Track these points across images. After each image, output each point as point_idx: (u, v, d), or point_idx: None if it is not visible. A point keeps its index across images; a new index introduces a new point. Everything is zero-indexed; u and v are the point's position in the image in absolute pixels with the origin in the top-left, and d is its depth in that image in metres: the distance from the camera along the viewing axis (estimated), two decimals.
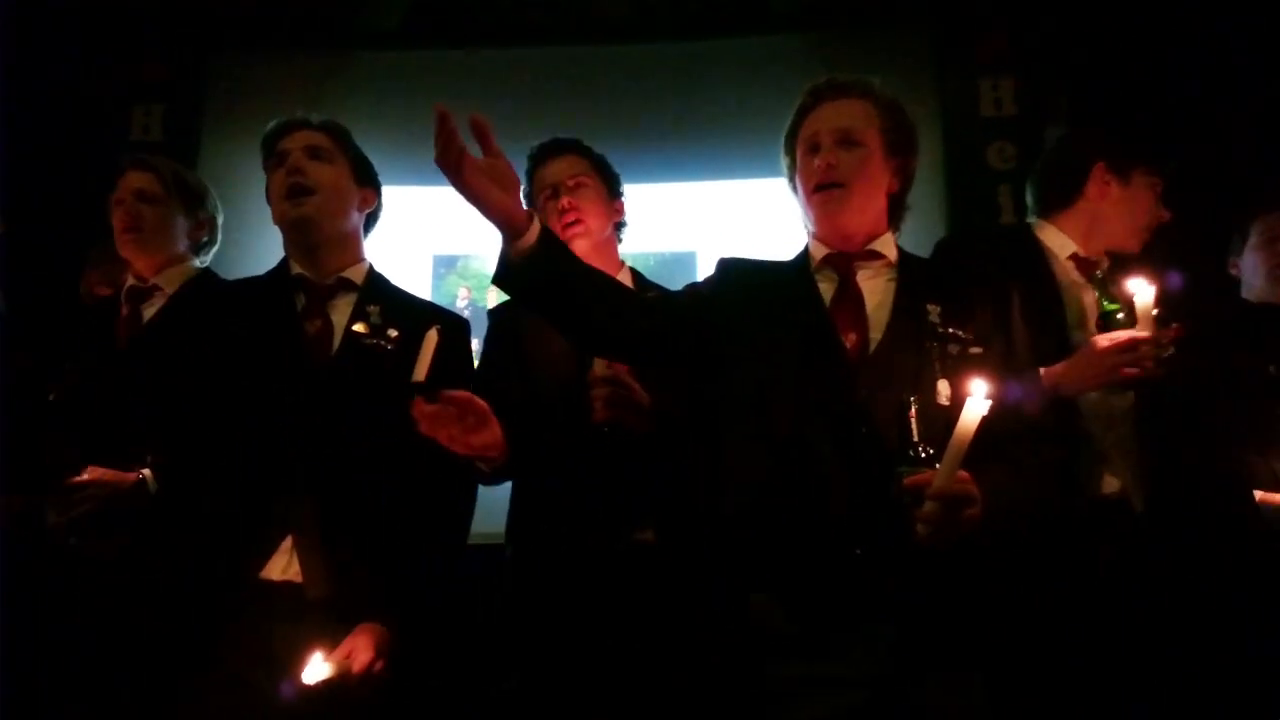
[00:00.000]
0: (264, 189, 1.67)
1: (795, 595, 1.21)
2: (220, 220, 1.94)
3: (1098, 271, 1.70)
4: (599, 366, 1.55)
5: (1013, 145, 3.18)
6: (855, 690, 1.17)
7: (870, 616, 1.20)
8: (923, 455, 1.16)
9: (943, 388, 1.24)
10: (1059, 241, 1.87)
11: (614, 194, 1.87)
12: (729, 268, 1.48)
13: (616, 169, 1.91)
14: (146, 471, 1.58)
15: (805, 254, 1.49)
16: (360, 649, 1.32)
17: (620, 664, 1.53)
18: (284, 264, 1.60)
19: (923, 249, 2.72)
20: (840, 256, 1.42)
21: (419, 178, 3.41)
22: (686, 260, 3.19)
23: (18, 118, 3.14)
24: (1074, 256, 1.84)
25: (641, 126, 3.25)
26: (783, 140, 1.50)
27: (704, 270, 3.11)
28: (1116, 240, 1.86)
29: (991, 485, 1.15)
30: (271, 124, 1.63)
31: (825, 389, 1.27)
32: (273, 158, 1.59)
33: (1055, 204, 1.90)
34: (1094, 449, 1.68)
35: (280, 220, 1.57)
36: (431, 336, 1.47)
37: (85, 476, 1.54)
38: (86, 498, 1.53)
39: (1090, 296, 1.73)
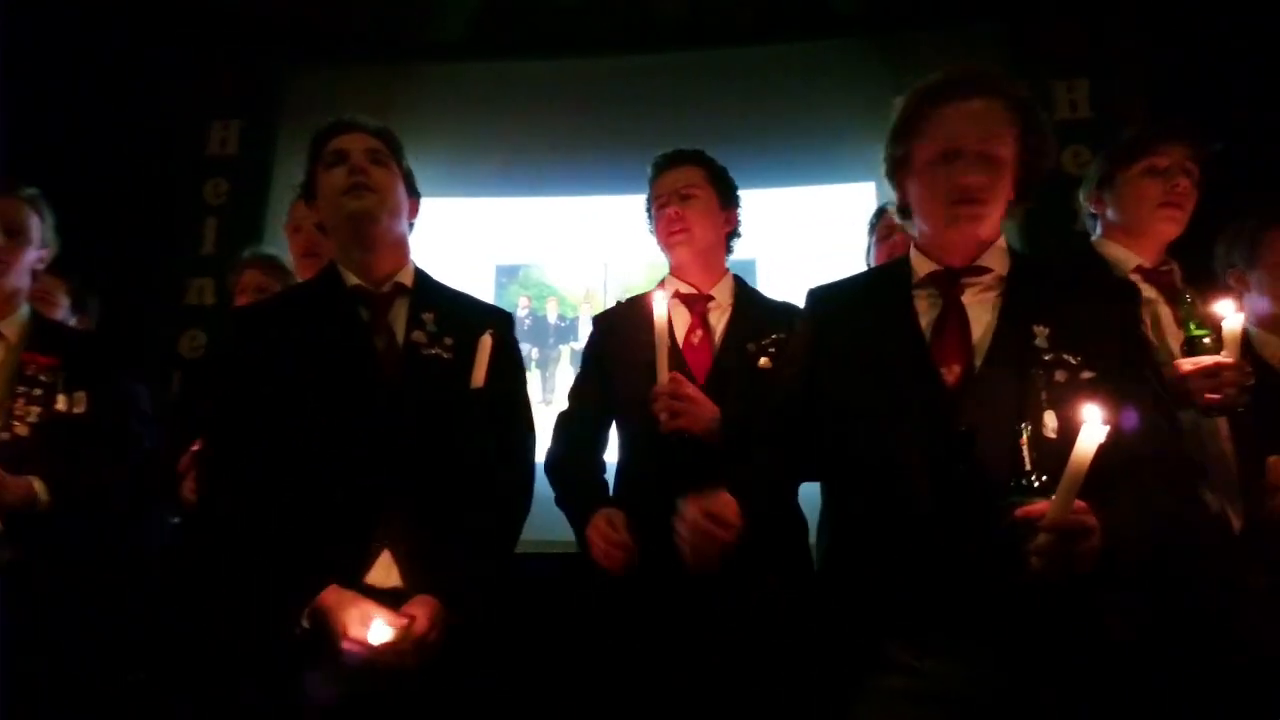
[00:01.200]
0: None
1: (898, 628, 1.19)
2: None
3: (1186, 296, 1.64)
4: (661, 379, 1.56)
5: (1089, 149, 3.07)
6: (954, 705, 1.14)
7: (973, 641, 1.16)
8: (1034, 485, 1.10)
9: (1049, 419, 1.17)
10: (1122, 255, 1.82)
11: (726, 204, 1.90)
12: (820, 304, 1.42)
13: None
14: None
15: (905, 265, 1.38)
16: (419, 617, 1.35)
17: (703, 673, 1.54)
18: (334, 274, 1.56)
19: None
20: (947, 274, 1.32)
21: (482, 188, 3.51)
22: (746, 269, 3.16)
23: (104, 136, 3.31)
24: (1139, 269, 1.79)
25: (699, 134, 3.20)
26: (895, 128, 1.35)
27: (764, 279, 3.09)
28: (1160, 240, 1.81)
29: (1114, 517, 1.08)
30: (326, 122, 1.61)
31: (923, 421, 1.20)
32: (327, 156, 1.56)
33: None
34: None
35: (337, 215, 1.53)
36: (486, 342, 1.52)
37: None
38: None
39: (1163, 310, 1.70)
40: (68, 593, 1.70)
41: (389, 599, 1.37)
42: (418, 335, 1.50)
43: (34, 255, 1.87)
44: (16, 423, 1.72)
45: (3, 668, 1.59)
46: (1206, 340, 1.54)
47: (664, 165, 1.90)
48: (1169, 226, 1.80)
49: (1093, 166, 1.94)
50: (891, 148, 1.36)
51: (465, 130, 3.32)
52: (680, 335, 1.77)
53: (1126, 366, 1.24)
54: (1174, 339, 1.66)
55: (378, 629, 1.30)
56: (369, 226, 1.51)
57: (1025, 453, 1.12)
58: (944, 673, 1.15)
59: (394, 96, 3.46)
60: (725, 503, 1.27)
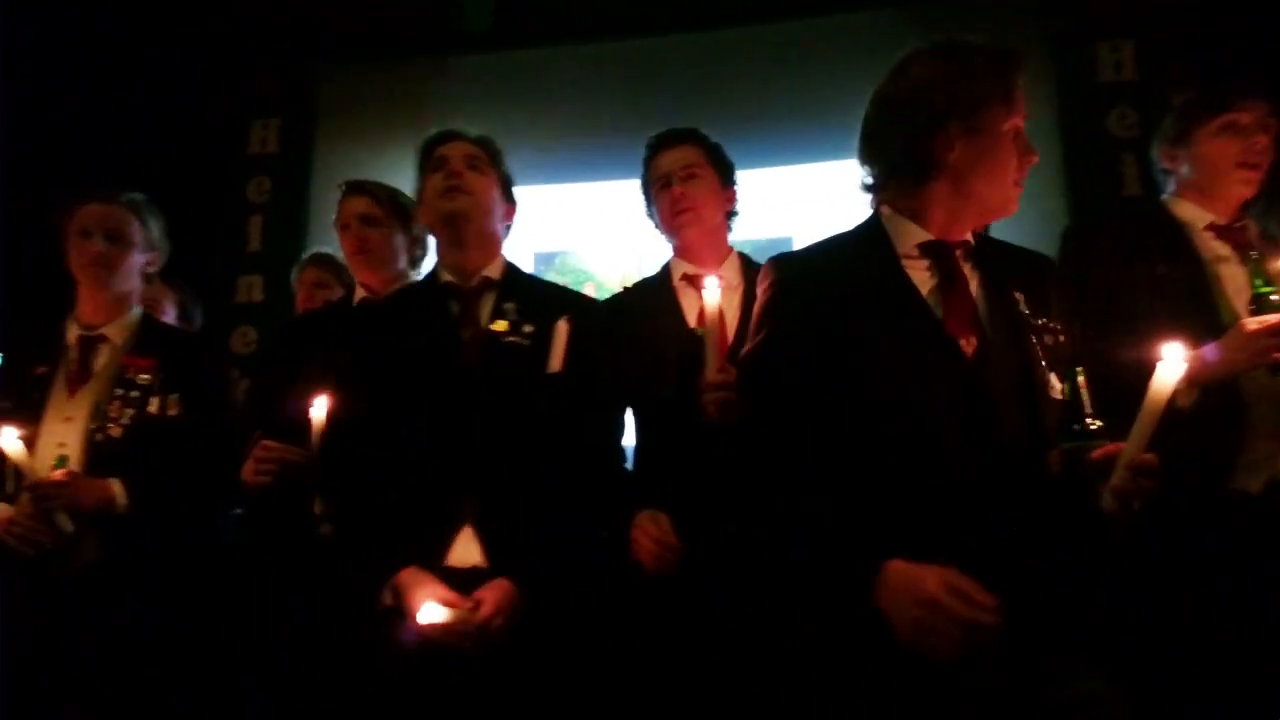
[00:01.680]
0: None
1: None
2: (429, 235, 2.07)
3: (1253, 252, 1.59)
4: (711, 371, 1.53)
5: (1135, 111, 2.98)
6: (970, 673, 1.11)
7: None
8: (1091, 428, 1.11)
9: (1055, 381, 1.18)
10: (1194, 214, 1.76)
11: (726, 183, 1.87)
12: (797, 277, 1.29)
13: None
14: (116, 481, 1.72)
15: (878, 234, 1.28)
16: (486, 602, 1.38)
17: (721, 653, 1.52)
18: (434, 273, 1.68)
19: (1041, 226, 2.61)
20: (942, 245, 1.26)
21: (517, 176, 3.53)
22: (783, 247, 3.12)
23: (149, 139, 3.40)
24: (1211, 226, 1.73)
25: (731, 111, 3.19)
26: (964, 73, 1.22)
27: None
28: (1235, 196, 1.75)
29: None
30: (433, 131, 1.72)
31: (955, 395, 1.17)
32: (431, 163, 1.67)
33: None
34: (1264, 431, 1.58)
35: (434, 216, 1.65)
36: (562, 328, 1.57)
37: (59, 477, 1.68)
38: (55, 495, 1.67)
39: (1236, 269, 1.64)
40: (145, 592, 1.73)
41: (471, 578, 1.42)
42: (498, 324, 1.58)
43: (139, 259, 1.91)
44: (111, 425, 1.77)
45: (79, 665, 1.65)
46: (1275, 297, 1.49)
47: (660, 146, 1.87)
48: (1245, 188, 1.74)
49: (1166, 122, 1.86)
50: (956, 124, 1.22)
51: (499, 120, 3.29)
52: (691, 318, 1.75)
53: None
54: (1244, 299, 1.59)
55: (427, 610, 1.34)
56: (461, 226, 1.62)
57: (1085, 396, 1.12)
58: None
59: (428, 89, 3.51)
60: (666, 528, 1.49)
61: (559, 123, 3.39)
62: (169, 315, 2.43)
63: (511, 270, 1.70)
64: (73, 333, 1.87)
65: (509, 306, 1.61)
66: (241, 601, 1.83)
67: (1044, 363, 1.19)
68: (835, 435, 1.17)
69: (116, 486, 1.75)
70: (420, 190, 1.71)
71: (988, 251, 1.30)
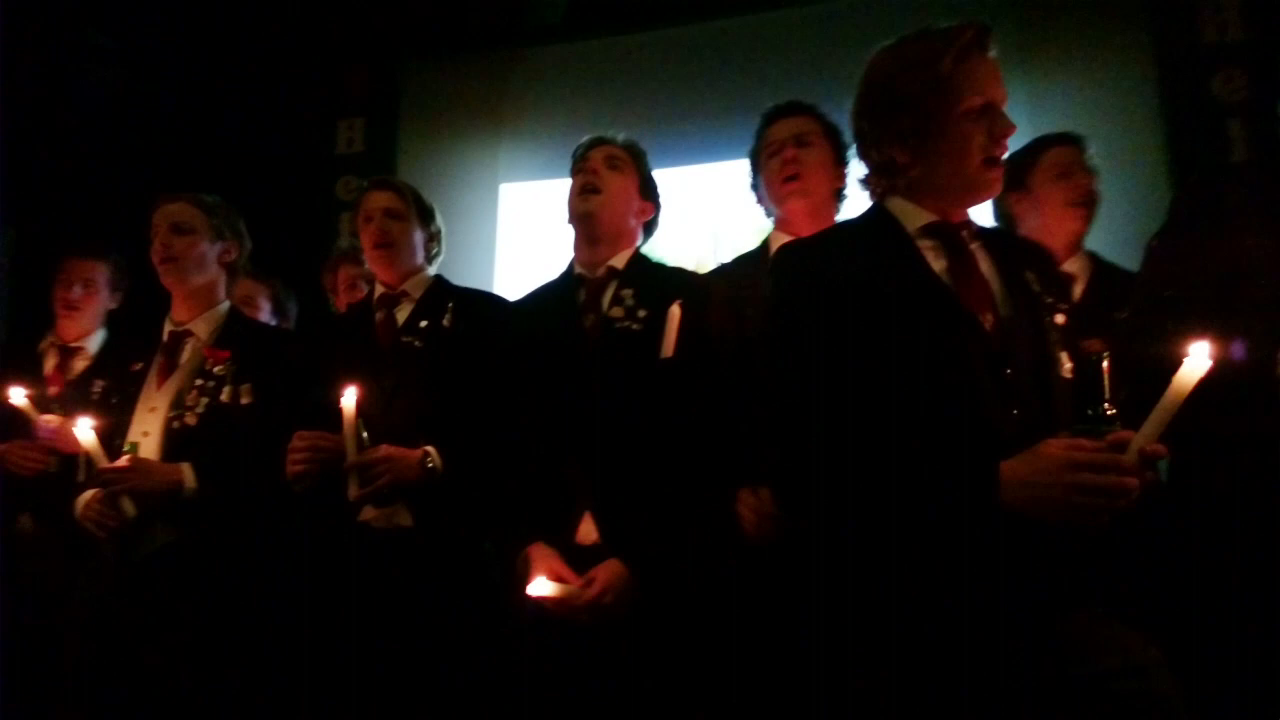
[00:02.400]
0: (458, 188, 1.81)
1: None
2: (444, 233, 2.14)
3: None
4: None
5: (1242, 73, 2.78)
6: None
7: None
8: (1106, 414, 1.10)
9: (1065, 359, 1.20)
10: None
11: (840, 160, 1.85)
12: (812, 264, 1.28)
13: None
14: (431, 449, 1.78)
15: (884, 217, 1.30)
16: (597, 581, 1.48)
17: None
18: (569, 265, 1.80)
19: (1141, 193, 2.48)
20: (947, 225, 1.27)
21: None
22: None
23: (237, 139, 3.58)
24: None
25: (806, 91, 3.09)
26: (901, 63, 1.27)
27: None
28: None
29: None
30: (585, 139, 1.84)
31: (981, 371, 1.18)
32: (576, 166, 1.80)
33: None
34: None
35: (570, 216, 1.77)
36: (674, 313, 1.63)
37: (382, 453, 1.75)
38: (384, 472, 1.74)
39: None
40: (215, 575, 1.82)
41: (592, 555, 1.53)
42: (615, 310, 1.67)
43: (211, 249, 1.98)
44: (188, 413, 1.88)
45: (147, 645, 1.76)
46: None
47: (775, 115, 1.87)
48: None
49: None
50: (901, 96, 1.25)
51: (571, 110, 3.38)
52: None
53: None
54: None
55: (538, 583, 1.47)
56: (592, 224, 1.73)
57: (1106, 382, 1.11)
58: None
59: (504, 83, 3.57)
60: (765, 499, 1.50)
61: (634, 110, 3.39)
62: (263, 310, 2.56)
63: (637, 259, 1.78)
64: (166, 330, 2.00)
65: (626, 293, 1.69)
66: (299, 584, 1.89)
67: (1054, 342, 1.20)
68: (861, 415, 1.16)
69: (185, 470, 1.84)
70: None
71: (994, 235, 1.34)
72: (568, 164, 1.86)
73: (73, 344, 2.40)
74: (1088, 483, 1.03)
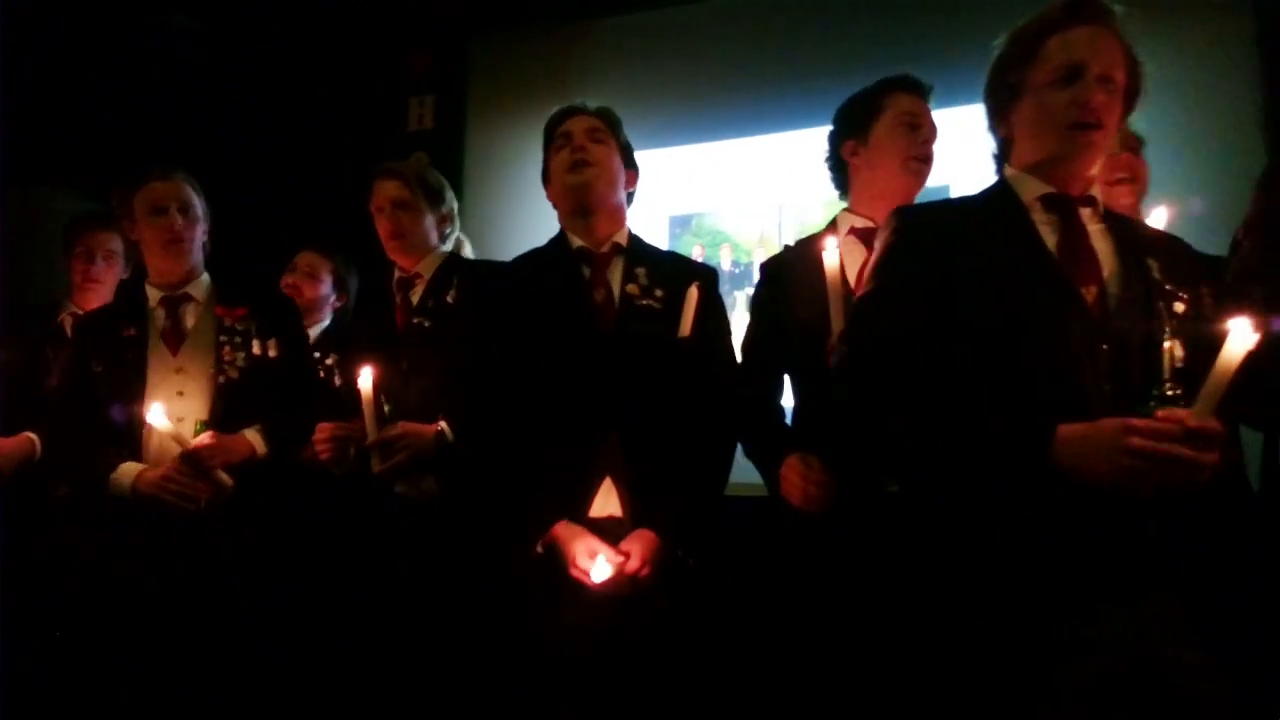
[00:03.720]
0: (525, 163, 1.84)
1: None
2: (456, 208, 2.20)
3: None
4: (837, 331, 1.55)
5: None
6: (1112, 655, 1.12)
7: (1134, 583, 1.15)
8: (1169, 394, 1.12)
9: (1175, 349, 1.18)
10: None
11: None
12: (923, 228, 1.33)
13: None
14: (443, 425, 1.87)
15: (1006, 189, 1.33)
16: (634, 553, 1.51)
17: (869, 608, 1.54)
18: (562, 238, 1.77)
19: (1240, 181, 2.33)
20: (1063, 198, 1.29)
21: (654, 140, 3.55)
22: (940, 195, 2.94)
23: (303, 124, 3.68)
24: None
25: (876, 58, 2.99)
26: (1008, 42, 1.35)
27: None
28: None
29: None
30: (555, 110, 1.81)
31: (1079, 341, 1.20)
32: (557, 140, 1.77)
33: None
34: None
35: (562, 191, 1.75)
36: (693, 294, 1.66)
37: (398, 430, 1.85)
38: (402, 448, 1.85)
39: None
40: (269, 538, 1.91)
41: (609, 528, 1.55)
42: (631, 288, 1.69)
43: (202, 230, 2.05)
44: (228, 368, 1.94)
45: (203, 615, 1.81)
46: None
47: (906, 87, 1.80)
48: None
49: None
50: (1006, 67, 1.34)
51: (634, 82, 3.35)
52: (853, 273, 1.70)
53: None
54: None
55: (600, 567, 1.48)
56: (588, 196, 1.72)
57: (1166, 363, 1.13)
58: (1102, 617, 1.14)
59: (571, 56, 3.57)
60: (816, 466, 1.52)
61: (690, 81, 3.35)
62: (325, 284, 2.65)
63: (636, 239, 1.80)
64: (154, 297, 2.01)
65: (639, 271, 1.71)
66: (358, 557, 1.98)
67: (1167, 329, 1.19)
68: (949, 378, 1.20)
69: (254, 436, 1.94)
70: (546, 166, 1.81)
71: (1126, 223, 1.35)
72: (631, 137, 1.86)
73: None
74: (1135, 446, 1.05)
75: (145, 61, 3.60)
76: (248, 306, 2.02)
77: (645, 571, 1.50)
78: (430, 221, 2.09)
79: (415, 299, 2.05)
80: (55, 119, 3.46)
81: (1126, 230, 1.33)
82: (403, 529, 1.90)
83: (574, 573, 1.49)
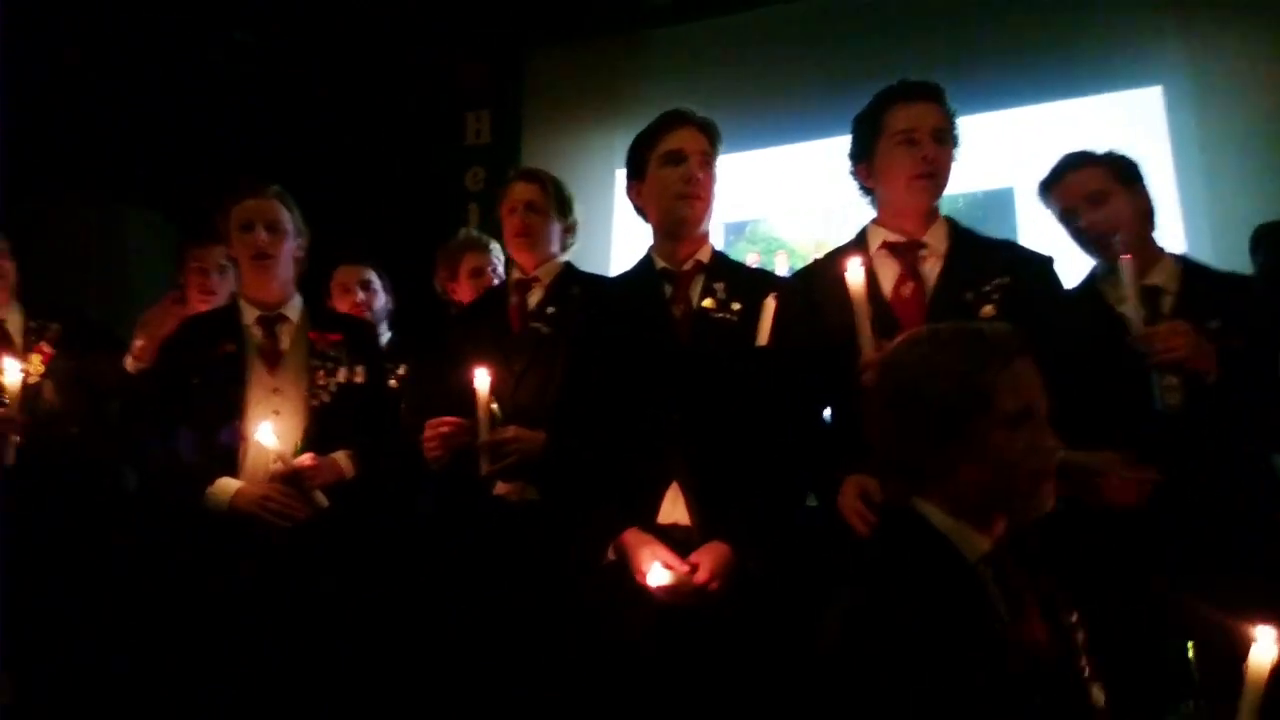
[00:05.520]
0: (581, 175, 1.85)
1: None
2: (578, 225, 2.25)
3: None
4: (866, 349, 1.49)
5: None
6: None
7: None
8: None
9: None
10: None
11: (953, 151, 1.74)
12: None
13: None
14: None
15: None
16: (703, 565, 1.52)
17: None
18: (649, 258, 1.80)
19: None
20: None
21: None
22: (1004, 198, 2.86)
23: (371, 134, 3.75)
24: None
25: (924, 61, 2.90)
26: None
27: (1023, 210, 2.81)
28: None
29: None
30: (667, 112, 1.77)
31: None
32: (664, 153, 1.72)
33: None
34: None
35: (663, 214, 1.75)
36: (769, 304, 1.68)
37: (510, 433, 1.87)
38: (512, 451, 1.87)
39: None
40: (365, 555, 1.94)
41: (679, 537, 1.57)
42: (708, 302, 1.71)
43: (292, 245, 2.04)
44: (320, 392, 1.96)
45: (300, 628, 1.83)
46: None
47: (907, 97, 1.68)
48: None
49: None
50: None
51: (685, 92, 3.34)
52: (888, 288, 1.64)
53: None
54: None
55: (656, 572, 1.50)
56: (691, 229, 1.75)
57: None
58: None
59: (621, 67, 3.60)
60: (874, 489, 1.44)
61: (741, 89, 3.33)
62: (382, 294, 2.69)
63: (719, 255, 1.82)
64: (250, 314, 2.01)
65: (718, 286, 1.72)
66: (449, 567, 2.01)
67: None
68: None
69: (344, 460, 1.95)
70: (641, 174, 1.78)
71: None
72: None
73: None
74: None
75: (207, 78, 3.72)
76: (341, 334, 2.05)
77: (714, 585, 1.50)
78: (556, 228, 2.16)
79: (532, 302, 2.09)
80: (121, 137, 3.61)
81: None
82: (498, 532, 1.92)
83: (639, 578, 1.51)
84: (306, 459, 1.89)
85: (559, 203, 2.16)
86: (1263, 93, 2.72)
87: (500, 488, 1.93)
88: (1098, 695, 1.08)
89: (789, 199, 3.25)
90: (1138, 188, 1.81)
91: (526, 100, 3.82)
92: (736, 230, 3.32)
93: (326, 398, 1.98)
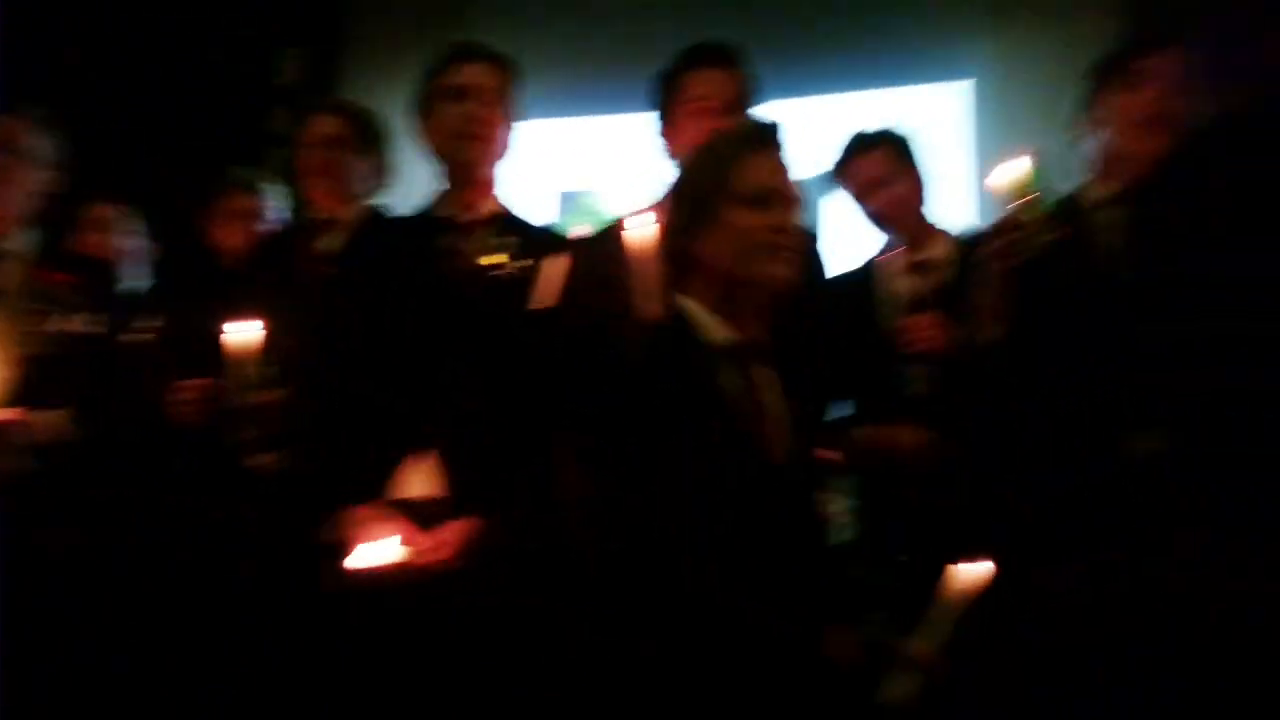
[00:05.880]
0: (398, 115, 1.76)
1: None
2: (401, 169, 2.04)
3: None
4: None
5: None
6: None
7: None
8: None
9: None
10: None
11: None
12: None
13: None
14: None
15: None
16: (442, 542, 1.39)
17: None
18: (428, 205, 1.68)
19: None
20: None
21: (543, 110, 3.41)
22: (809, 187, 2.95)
23: (176, 70, 3.33)
24: None
25: (785, 37, 2.97)
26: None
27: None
28: None
29: None
30: (450, 46, 1.66)
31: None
32: (447, 86, 1.62)
33: None
34: None
35: (443, 152, 1.64)
36: (559, 263, 1.57)
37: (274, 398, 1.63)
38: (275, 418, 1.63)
39: None
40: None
41: (426, 510, 1.43)
42: (490, 258, 1.59)
43: (31, 175, 1.80)
44: (37, 339, 1.74)
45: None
46: None
47: (700, 63, 1.67)
48: None
49: None
50: None
51: (526, 50, 3.20)
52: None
53: None
54: None
55: (357, 554, 1.33)
56: (472, 170, 1.63)
57: None
58: None
59: (459, 18, 3.35)
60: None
61: (599, 49, 3.22)
62: (135, 235, 2.39)
63: (505, 208, 1.69)
64: None
65: (502, 241, 1.60)
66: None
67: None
68: None
69: (61, 417, 1.73)
70: (428, 108, 1.65)
71: None
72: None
73: None
74: None
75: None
76: (74, 276, 1.83)
77: (446, 555, 1.38)
78: (360, 168, 1.92)
79: (332, 248, 1.85)
80: None
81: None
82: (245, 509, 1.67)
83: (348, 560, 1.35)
84: (13, 413, 1.64)
85: (364, 138, 1.93)
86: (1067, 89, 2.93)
87: (257, 458, 1.67)
88: (825, 506, 1.20)
89: (622, 170, 3.17)
90: (917, 165, 1.92)
91: (351, 41, 3.54)
92: (571, 200, 3.23)
93: (44, 346, 1.74)
